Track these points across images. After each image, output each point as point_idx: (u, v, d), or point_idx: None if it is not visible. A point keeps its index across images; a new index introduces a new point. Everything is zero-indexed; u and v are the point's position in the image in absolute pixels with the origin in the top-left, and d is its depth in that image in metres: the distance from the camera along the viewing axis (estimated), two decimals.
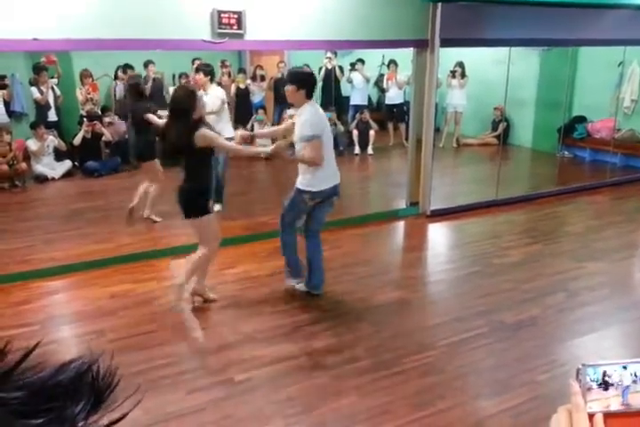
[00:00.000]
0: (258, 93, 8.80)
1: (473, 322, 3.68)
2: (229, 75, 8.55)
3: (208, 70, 5.69)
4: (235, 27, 4.50)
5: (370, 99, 9.67)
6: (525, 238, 5.26)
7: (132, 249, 4.79)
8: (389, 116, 9.18)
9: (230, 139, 4.35)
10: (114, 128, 7.68)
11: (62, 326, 3.78)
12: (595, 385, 0.73)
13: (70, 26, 4.00)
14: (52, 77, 7.66)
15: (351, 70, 8.96)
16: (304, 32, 4.83)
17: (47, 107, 7.52)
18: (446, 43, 5.42)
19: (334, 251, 4.87)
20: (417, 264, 4.86)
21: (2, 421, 0.45)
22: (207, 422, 2.76)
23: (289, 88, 3.63)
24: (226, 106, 5.89)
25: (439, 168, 6.26)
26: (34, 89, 7.45)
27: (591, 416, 0.73)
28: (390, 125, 9.13)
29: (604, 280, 4.34)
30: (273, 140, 5.07)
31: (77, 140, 7.35)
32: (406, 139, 6.87)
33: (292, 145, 3.74)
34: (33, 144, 7.08)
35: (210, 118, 5.80)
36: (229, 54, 8.73)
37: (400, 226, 5.77)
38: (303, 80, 3.64)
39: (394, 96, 9.07)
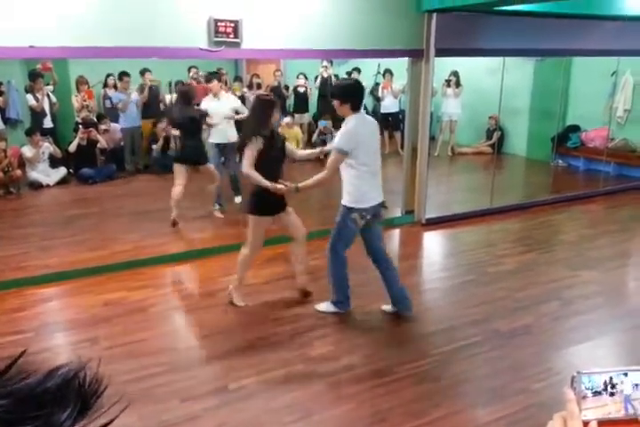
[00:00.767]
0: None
1: (468, 330, 3.68)
2: (226, 83, 8.58)
3: (220, 77, 5.88)
4: (231, 35, 4.52)
5: (365, 107, 9.72)
6: (520, 247, 5.28)
7: (126, 256, 4.78)
8: (385, 124, 9.21)
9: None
10: (109, 135, 7.68)
11: (56, 333, 3.76)
12: (589, 393, 0.74)
13: (67, 33, 4.01)
14: (48, 84, 7.66)
15: None
16: (300, 41, 4.86)
17: (43, 114, 7.52)
18: (441, 52, 5.47)
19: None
20: (412, 272, 4.86)
21: None
22: None
23: (334, 103, 3.56)
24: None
25: (434, 177, 6.29)
26: (29, 96, 7.45)
27: (586, 424, 0.74)
28: (386, 134, 9.17)
29: (598, 289, 4.36)
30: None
31: (73, 147, 7.35)
32: (401, 147, 6.90)
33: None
34: (28, 151, 7.07)
35: (222, 124, 5.93)
36: (226, 63, 8.78)
37: (395, 234, 5.78)
38: (346, 93, 3.54)
39: (389, 105, 9.13)
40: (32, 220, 6.04)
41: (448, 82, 8.97)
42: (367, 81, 9.34)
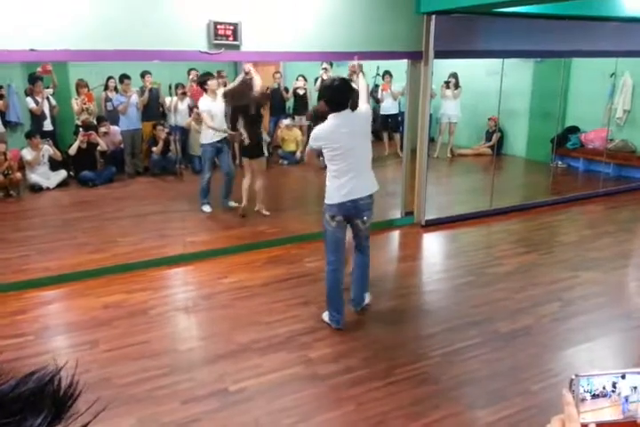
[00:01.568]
0: None
1: (467, 332, 3.68)
2: (225, 85, 8.59)
3: (218, 76, 6.05)
4: (231, 38, 4.54)
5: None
6: (519, 248, 5.29)
7: (126, 259, 4.79)
8: (384, 126, 9.23)
9: None
10: (109, 138, 7.69)
11: (56, 336, 3.77)
12: (588, 396, 0.74)
13: (67, 37, 4.03)
14: (48, 87, 7.66)
15: None
16: (299, 43, 4.87)
17: (43, 117, 7.52)
18: (440, 54, 5.48)
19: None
20: (412, 274, 4.87)
21: None
22: None
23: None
24: None
25: (434, 178, 6.30)
26: (29, 99, 7.46)
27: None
28: (385, 136, 9.18)
29: (598, 290, 4.36)
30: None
31: (73, 150, 7.35)
32: (401, 149, 6.89)
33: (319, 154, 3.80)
34: (28, 154, 7.08)
35: (221, 124, 6.03)
36: (225, 65, 8.77)
37: (395, 236, 5.78)
38: (323, 92, 3.74)
39: (388, 107, 9.13)
40: (32, 223, 6.04)
41: (447, 84, 8.98)
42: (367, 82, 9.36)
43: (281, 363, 3.31)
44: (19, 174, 6.90)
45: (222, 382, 3.12)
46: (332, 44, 5.01)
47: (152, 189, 7.46)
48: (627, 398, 0.74)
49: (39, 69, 7.40)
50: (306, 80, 8.83)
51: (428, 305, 4.24)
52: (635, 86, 7.89)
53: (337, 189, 3.59)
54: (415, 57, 5.51)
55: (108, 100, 8.03)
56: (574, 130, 8.52)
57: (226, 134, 6.15)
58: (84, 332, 3.70)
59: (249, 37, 4.63)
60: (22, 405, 0.49)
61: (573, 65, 8.14)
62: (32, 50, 3.93)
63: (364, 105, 3.75)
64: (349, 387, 3.08)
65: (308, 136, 9.96)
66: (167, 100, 8.08)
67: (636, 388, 0.74)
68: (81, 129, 7.45)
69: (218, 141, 6.13)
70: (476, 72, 8.32)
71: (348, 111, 3.59)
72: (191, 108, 8.13)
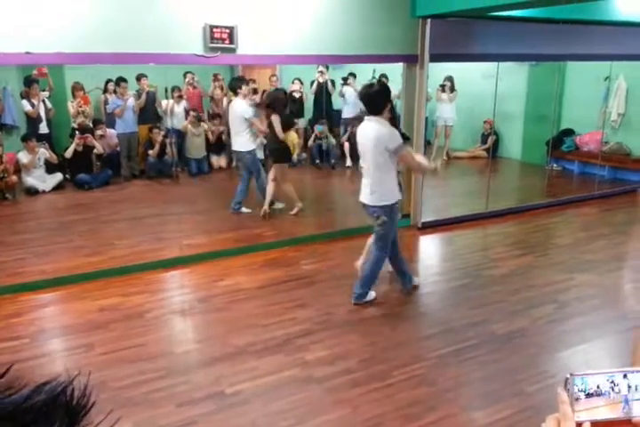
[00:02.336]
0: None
1: (463, 334, 3.69)
2: (222, 88, 8.61)
3: (247, 82, 6.26)
4: (227, 41, 4.55)
5: (361, 112, 9.73)
6: (515, 250, 5.30)
7: (122, 262, 4.78)
8: None
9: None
10: (105, 141, 7.69)
11: (52, 339, 3.75)
12: (582, 395, 0.75)
13: (63, 39, 4.03)
14: (44, 90, 7.66)
15: (343, 84, 9.04)
16: (296, 47, 4.89)
17: (38, 119, 7.51)
18: (436, 58, 5.50)
19: (325, 263, 4.89)
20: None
21: None
22: None
23: None
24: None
25: (430, 181, 6.31)
26: (25, 102, 7.45)
27: (579, 425, 0.75)
28: None
29: (593, 292, 4.38)
30: None
31: (69, 153, 7.34)
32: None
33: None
34: (24, 157, 7.07)
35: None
36: (222, 68, 8.79)
37: None
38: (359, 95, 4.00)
39: None
40: (28, 226, 6.03)
41: (443, 87, 9.01)
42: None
43: (277, 365, 3.31)
44: (14, 177, 6.89)
45: (219, 385, 3.11)
46: (328, 47, 5.03)
47: (148, 191, 7.46)
48: (627, 397, 0.75)
49: (35, 72, 7.40)
50: (302, 83, 8.85)
51: (425, 307, 4.25)
52: (629, 89, 7.94)
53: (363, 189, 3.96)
54: (411, 60, 5.53)
55: (107, 102, 8.04)
56: (569, 133, 8.57)
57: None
58: (80, 335, 3.69)
59: (245, 41, 4.64)
60: (35, 415, 0.48)
61: (568, 68, 8.19)
62: (27, 53, 3.93)
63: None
64: (346, 389, 3.08)
65: (305, 139, 10.02)
66: (163, 103, 8.08)
67: (636, 387, 0.75)
68: (77, 132, 7.45)
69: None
70: (471, 75, 8.36)
71: (376, 118, 3.79)
72: (187, 111, 8.14)
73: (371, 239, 4.22)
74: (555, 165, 8.52)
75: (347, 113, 9.16)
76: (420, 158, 4.12)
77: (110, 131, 7.81)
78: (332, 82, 9.05)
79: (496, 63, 6.26)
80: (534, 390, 3.05)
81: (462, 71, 8.49)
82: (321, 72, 8.76)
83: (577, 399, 0.75)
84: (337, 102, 9.20)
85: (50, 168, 7.33)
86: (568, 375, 0.75)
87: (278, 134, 5.91)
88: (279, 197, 6.23)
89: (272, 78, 8.75)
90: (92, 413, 0.52)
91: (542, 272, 4.76)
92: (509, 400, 2.97)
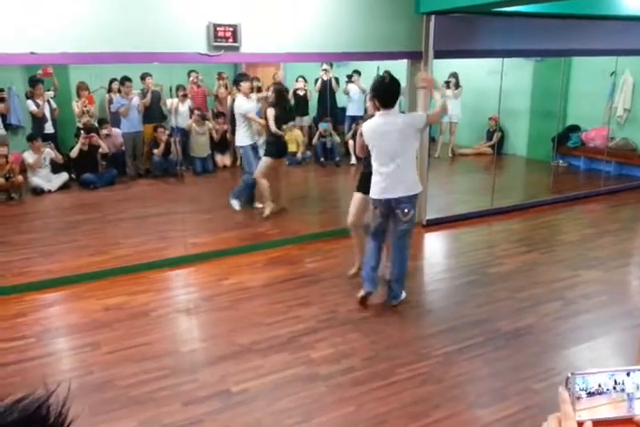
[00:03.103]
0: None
1: (469, 331, 3.68)
2: (226, 87, 8.61)
3: (251, 78, 6.29)
4: (230, 40, 4.54)
5: (365, 110, 9.71)
6: (521, 247, 5.28)
7: (127, 261, 4.79)
8: None
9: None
10: (111, 140, 7.70)
11: (58, 338, 3.77)
12: (584, 394, 0.74)
13: (67, 39, 4.04)
14: (49, 90, 7.68)
15: (347, 82, 9.02)
16: (299, 44, 4.87)
17: (44, 119, 7.54)
18: (440, 54, 5.48)
19: (330, 261, 4.88)
20: (413, 274, 4.85)
21: None
22: None
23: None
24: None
25: (435, 178, 6.30)
26: (30, 102, 7.47)
27: (580, 425, 0.74)
28: None
29: (599, 288, 4.35)
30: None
31: (74, 153, 7.36)
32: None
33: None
34: (29, 157, 7.10)
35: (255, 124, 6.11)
36: (225, 66, 8.79)
37: None
38: (373, 90, 3.90)
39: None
40: (33, 225, 6.06)
41: (447, 83, 8.97)
42: (367, 83, 9.36)
43: (282, 364, 3.31)
44: (20, 177, 6.92)
45: (224, 384, 3.12)
46: (331, 44, 5.02)
47: (153, 191, 7.48)
48: (630, 396, 0.74)
49: (40, 72, 7.42)
50: (306, 81, 8.84)
51: (430, 305, 4.24)
52: (635, 85, 7.88)
53: (375, 187, 3.87)
54: (415, 57, 5.51)
55: (111, 102, 8.06)
56: (575, 129, 8.52)
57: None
58: (86, 334, 3.71)
59: (248, 39, 4.63)
60: None
61: (574, 64, 8.14)
62: (32, 53, 3.94)
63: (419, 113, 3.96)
64: (351, 387, 3.08)
65: (310, 137, 10.01)
66: (168, 102, 8.09)
67: (638, 385, 0.75)
68: (82, 131, 7.47)
69: (254, 142, 6.23)
70: (476, 72, 8.32)
71: (390, 111, 3.75)
72: (192, 110, 8.15)
73: (369, 241, 4.09)
74: (560, 162, 8.47)
75: (351, 110, 9.14)
76: (437, 110, 3.95)
77: (115, 130, 7.83)
78: (337, 79, 9.04)
79: (501, 59, 6.23)
80: (540, 387, 3.04)
81: (467, 68, 8.45)
82: (325, 70, 8.75)
83: (578, 398, 0.74)
84: (341, 100, 9.18)
85: (55, 168, 7.36)
86: (569, 374, 0.75)
87: (271, 128, 5.88)
88: (263, 197, 6.07)
89: (276, 76, 8.75)
90: None
91: (548, 269, 4.73)
92: (515, 398, 2.96)
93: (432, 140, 7.17)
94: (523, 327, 3.73)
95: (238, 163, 7.93)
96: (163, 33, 4.35)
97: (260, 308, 4.05)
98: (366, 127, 3.81)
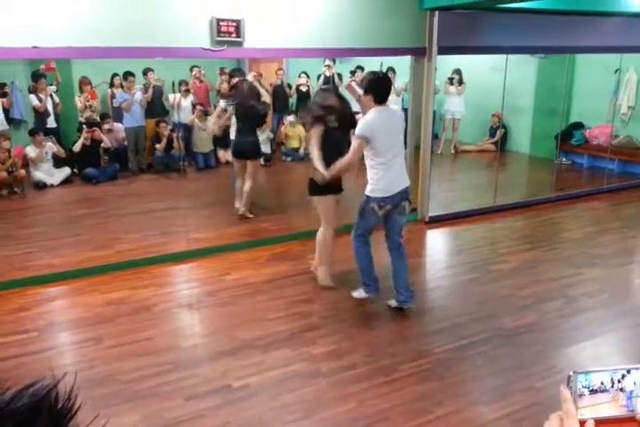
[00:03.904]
0: None
1: (471, 328, 3.68)
2: (228, 82, 8.58)
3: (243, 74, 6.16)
4: (233, 35, 4.52)
5: None
6: (523, 245, 5.27)
7: (129, 256, 4.80)
8: None
9: None
10: (113, 135, 7.70)
11: (60, 332, 3.78)
12: (586, 392, 0.74)
13: (70, 34, 4.02)
14: (51, 85, 7.68)
15: (351, 78, 9.00)
16: (303, 40, 4.86)
17: (46, 114, 7.53)
18: (444, 50, 5.46)
19: (332, 257, 4.87)
20: (415, 270, 4.85)
21: None
22: None
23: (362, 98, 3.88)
24: None
25: (437, 175, 6.29)
26: (32, 96, 7.47)
27: (582, 423, 0.74)
28: None
29: (602, 286, 4.35)
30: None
31: (77, 147, 7.36)
32: (405, 146, 6.89)
33: (323, 178, 3.92)
34: (32, 151, 7.09)
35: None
36: (228, 62, 8.77)
37: None
38: (369, 86, 3.82)
39: (392, 103, 9.10)
40: (36, 220, 6.06)
41: (451, 80, 8.95)
42: None
43: (284, 359, 3.31)
44: (23, 171, 6.92)
45: (226, 379, 3.12)
46: (335, 40, 5.00)
47: (155, 185, 7.47)
48: (630, 394, 0.74)
49: (43, 67, 7.41)
50: (308, 77, 8.82)
51: (432, 302, 4.23)
52: (639, 82, 7.85)
53: (384, 183, 3.73)
54: (419, 53, 5.49)
55: (113, 97, 8.05)
56: (578, 126, 8.49)
57: None
58: (88, 328, 3.71)
59: (252, 34, 4.62)
60: (17, 421, 0.46)
61: (578, 61, 8.11)
62: (35, 47, 3.93)
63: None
64: (352, 383, 3.08)
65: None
66: (170, 97, 8.07)
67: (636, 383, 0.74)
68: (84, 126, 7.47)
69: None
70: (479, 68, 8.29)
71: (388, 106, 3.81)
72: (194, 106, 8.14)
73: (362, 247, 3.91)
74: (564, 159, 8.45)
75: (354, 106, 9.11)
76: None
77: (117, 125, 7.82)
78: (340, 75, 9.01)
79: (505, 56, 6.20)
80: (542, 385, 3.04)
81: (471, 64, 8.42)
82: (328, 66, 8.72)
83: (581, 396, 0.74)
84: (344, 96, 9.15)
85: (57, 162, 7.36)
86: (571, 373, 0.74)
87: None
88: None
89: (279, 72, 8.73)
90: (78, 416, 0.50)
91: (550, 267, 4.73)
92: (517, 395, 2.96)
93: (435, 136, 7.16)
94: (525, 325, 3.73)
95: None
96: (166, 28, 4.33)
97: (261, 303, 4.05)
98: (370, 124, 3.65)
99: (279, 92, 8.57)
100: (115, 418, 2.77)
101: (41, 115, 7.52)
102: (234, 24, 4.51)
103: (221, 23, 4.46)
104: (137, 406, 2.88)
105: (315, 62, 8.65)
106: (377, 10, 5.15)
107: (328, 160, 3.90)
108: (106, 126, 7.62)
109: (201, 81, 8.46)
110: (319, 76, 8.86)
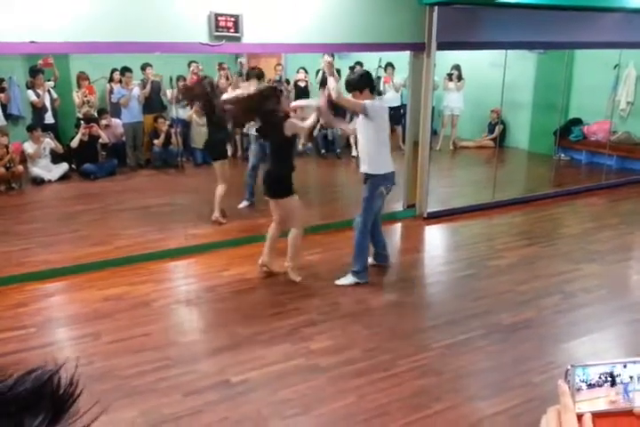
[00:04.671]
0: None
1: (469, 324, 3.68)
2: (227, 77, 8.55)
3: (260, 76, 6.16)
4: (232, 30, 4.51)
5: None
6: (522, 240, 5.28)
7: (127, 252, 4.79)
8: None
9: None
10: (111, 130, 7.68)
11: (58, 328, 3.78)
12: (584, 386, 0.74)
13: (68, 29, 4.01)
14: (49, 80, 7.65)
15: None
16: (301, 35, 4.84)
17: (44, 109, 7.51)
18: (443, 46, 5.44)
19: (331, 253, 4.88)
20: (414, 266, 4.86)
21: None
22: (204, 424, 2.76)
23: (354, 94, 4.10)
24: None
25: (436, 171, 6.28)
26: (30, 92, 7.44)
27: (580, 417, 0.74)
28: None
29: (600, 282, 4.36)
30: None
31: (75, 143, 7.34)
32: (403, 141, 6.88)
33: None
34: (29, 147, 7.07)
35: None
36: (227, 57, 8.74)
37: (397, 228, 5.77)
38: (360, 83, 4.09)
39: (391, 99, 9.06)
40: (34, 215, 6.05)
41: (450, 75, 8.93)
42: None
43: (283, 355, 3.31)
44: (20, 167, 6.90)
45: (224, 374, 3.12)
46: (333, 35, 4.98)
47: (154, 181, 7.46)
48: (627, 388, 0.74)
49: (40, 62, 7.38)
50: (307, 72, 8.80)
51: (430, 297, 4.24)
52: (639, 78, 7.84)
53: (387, 160, 4.26)
54: (417, 48, 5.48)
55: (112, 92, 8.03)
56: (577, 122, 8.48)
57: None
58: (86, 324, 3.71)
59: (250, 29, 4.60)
60: (19, 406, 0.47)
61: (577, 56, 8.09)
62: (32, 42, 3.90)
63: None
64: (351, 379, 3.08)
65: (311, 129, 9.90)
66: (168, 92, 8.05)
67: (637, 377, 0.74)
68: (82, 122, 7.44)
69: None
70: (479, 64, 8.28)
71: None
72: None
73: (365, 236, 4.29)
74: (562, 155, 8.45)
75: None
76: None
77: (115, 120, 7.80)
78: (338, 71, 8.99)
79: (504, 51, 6.19)
80: (540, 380, 3.04)
81: (470, 60, 8.40)
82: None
83: (579, 390, 0.74)
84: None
85: (55, 158, 7.34)
86: (569, 366, 0.74)
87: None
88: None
89: (277, 67, 8.71)
90: (79, 402, 0.50)
91: (549, 262, 4.73)
92: (515, 391, 2.97)
93: (434, 132, 7.15)
94: (523, 321, 3.74)
95: (239, 154, 7.91)
96: (164, 22, 4.31)
97: (260, 299, 4.06)
98: (373, 104, 4.04)
99: (277, 88, 8.53)
100: (113, 414, 2.77)
101: (39, 110, 7.49)
102: (232, 19, 4.49)
103: (220, 18, 4.44)
104: (135, 402, 2.88)
105: (313, 58, 8.63)
106: (376, 5, 5.13)
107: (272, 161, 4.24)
108: (103, 122, 7.60)
109: (199, 76, 8.43)
110: (317, 72, 8.84)
